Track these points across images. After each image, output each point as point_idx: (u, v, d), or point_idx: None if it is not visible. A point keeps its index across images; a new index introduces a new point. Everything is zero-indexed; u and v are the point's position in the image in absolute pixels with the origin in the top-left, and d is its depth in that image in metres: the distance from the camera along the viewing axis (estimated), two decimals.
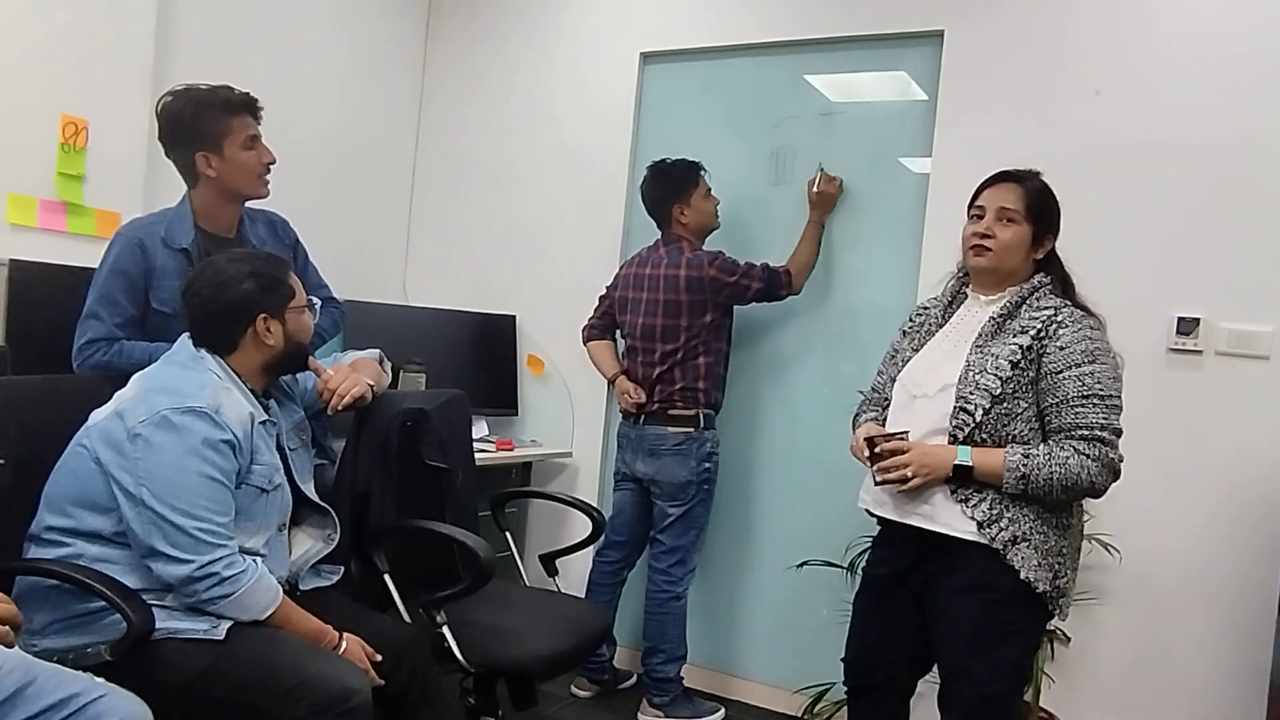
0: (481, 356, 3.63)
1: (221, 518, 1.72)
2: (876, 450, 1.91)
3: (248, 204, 2.28)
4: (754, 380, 3.31)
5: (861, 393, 2.25)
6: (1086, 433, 1.79)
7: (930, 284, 2.90)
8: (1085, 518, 2.02)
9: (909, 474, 1.86)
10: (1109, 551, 2.62)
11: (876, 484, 1.94)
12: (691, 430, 3.02)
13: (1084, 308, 1.92)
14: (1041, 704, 2.72)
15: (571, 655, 2.29)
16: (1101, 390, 1.80)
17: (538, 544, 3.11)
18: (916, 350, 2.04)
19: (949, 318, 2.05)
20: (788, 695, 3.17)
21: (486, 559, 2.04)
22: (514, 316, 3.69)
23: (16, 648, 1.39)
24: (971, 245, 1.97)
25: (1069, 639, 2.71)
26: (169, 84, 2.26)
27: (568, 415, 3.60)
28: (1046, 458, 1.79)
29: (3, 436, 1.76)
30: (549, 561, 2.62)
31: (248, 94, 2.21)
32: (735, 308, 3.10)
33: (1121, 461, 1.81)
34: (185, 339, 1.90)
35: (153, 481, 1.69)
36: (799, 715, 3.11)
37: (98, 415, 1.79)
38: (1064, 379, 1.82)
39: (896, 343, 2.15)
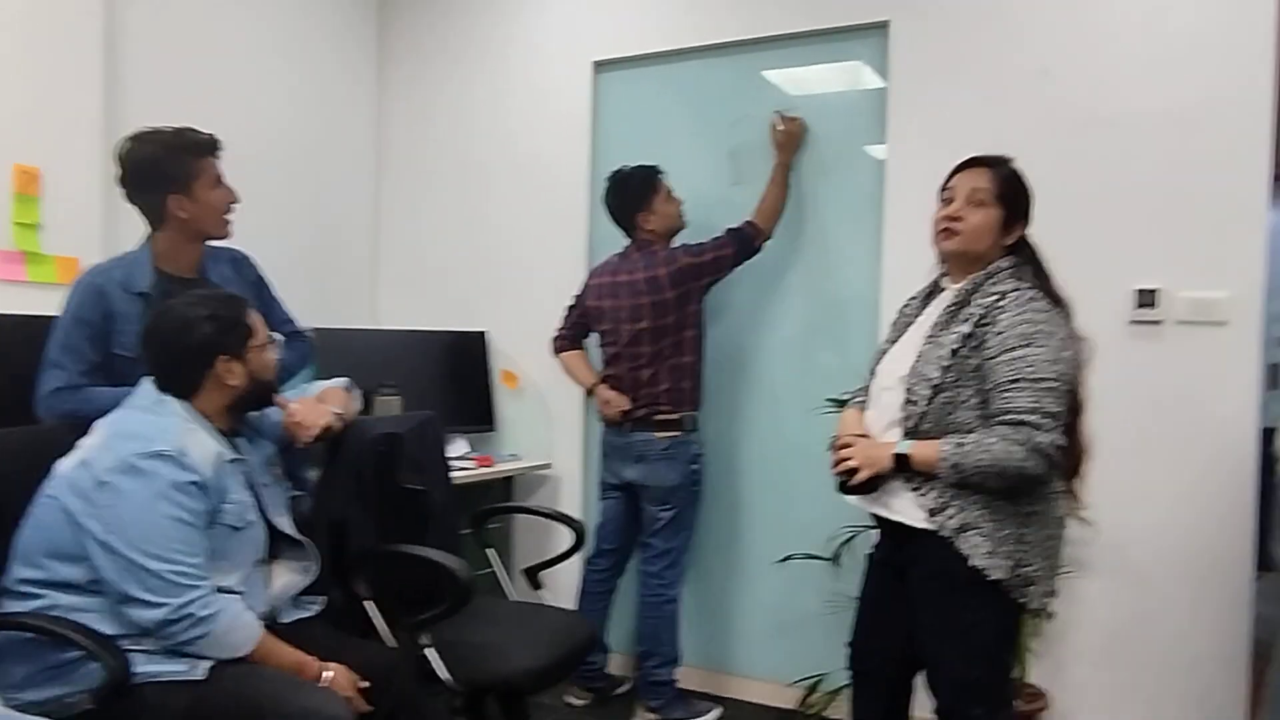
0: (455, 374, 3.64)
1: (193, 559, 1.73)
2: (832, 448, 1.98)
3: (209, 242, 2.28)
4: (730, 377, 3.33)
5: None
6: (1013, 417, 1.78)
7: (892, 270, 2.96)
8: (1062, 502, 1.96)
9: (854, 465, 1.91)
10: (1085, 524, 2.65)
11: (838, 486, 1.99)
12: (678, 434, 3.03)
13: (1053, 292, 1.91)
14: (1028, 679, 2.75)
15: (559, 667, 2.30)
16: (1033, 373, 1.78)
17: (524, 558, 3.11)
18: (894, 342, 2.06)
19: (924, 310, 2.06)
20: (782, 689, 3.19)
21: (464, 578, 2.05)
22: (484, 333, 3.70)
23: None
24: (941, 228, 1.97)
25: (1052, 614, 2.73)
26: (120, 127, 2.27)
27: (545, 427, 3.61)
28: (974, 445, 1.79)
29: None
30: (533, 575, 2.63)
31: (211, 135, 2.22)
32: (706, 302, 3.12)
33: (1058, 444, 1.78)
34: (147, 383, 1.90)
35: (123, 528, 1.69)
36: (794, 708, 3.14)
37: (64, 464, 1.78)
38: (997, 364, 1.81)
39: (886, 335, 2.17)
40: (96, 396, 2.06)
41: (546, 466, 3.60)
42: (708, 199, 3.30)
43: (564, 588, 3.15)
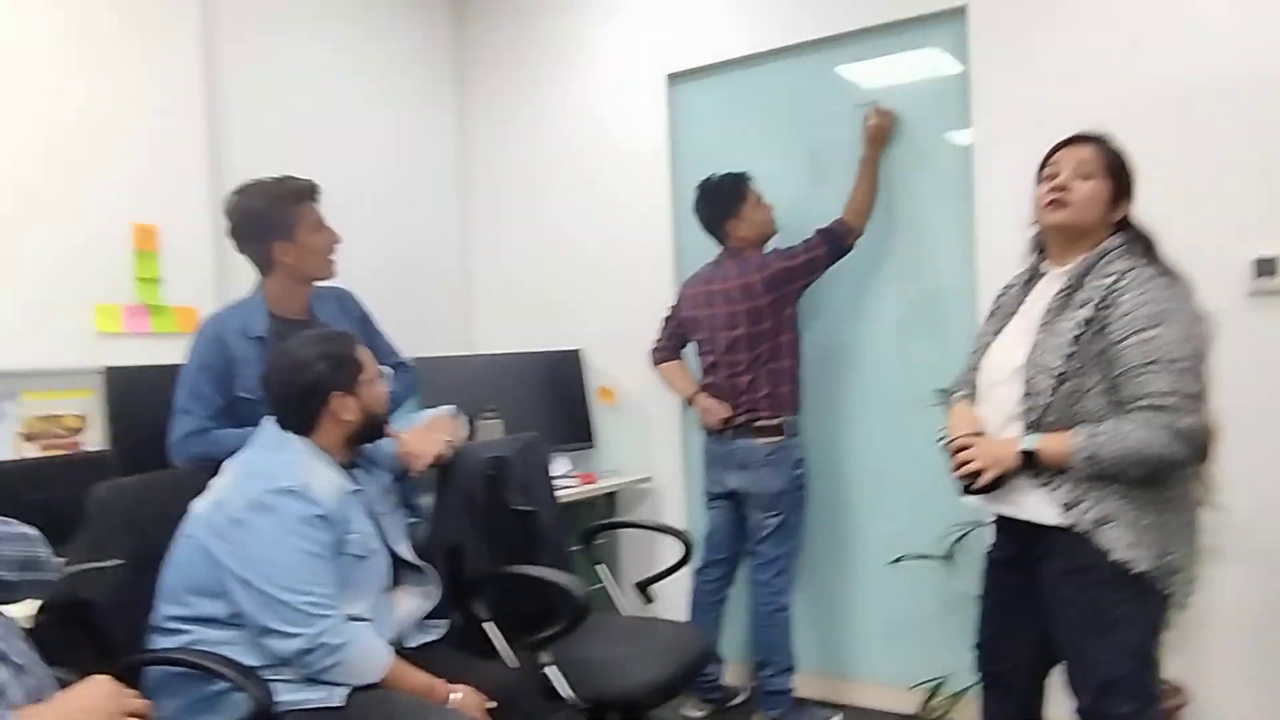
0: (553, 394, 3.69)
1: (324, 589, 1.80)
2: (950, 450, 1.92)
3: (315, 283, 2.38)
4: (827, 377, 3.30)
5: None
6: (1151, 401, 1.71)
7: (987, 256, 2.89)
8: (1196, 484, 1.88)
9: (977, 468, 1.86)
10: (1217, 509, 2.52)
11: (962, 490, 1.93)
12: (780, 439, 3.02)
13: (1166, 268, 1.83)
14: (1166, 675, 2.64)
15: (678, 680, 2.31)
16: (1167, 354, 1.71)
17: (632, 571, 3.14)
18: (997, 333, 2.00)
19: (1026, 296, 2.00)
20: (902, 693, 3.13)
21: (580, 595, 2.09)
22: (578, 350, 3.75)
23: None
24: (1047, 201, 1.90)
25: (1187, 604, 2.62)
26: (225, 180, 2.39)
27: (644, 440, 3.64)
28: (1112, 433, 1.73)
29: (117, 537, 1.87)
30: (644, 589, 2.65)
31: (309, 181, 2.31)
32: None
33: (1200, 426, 1.72)
34: (270, 423, 1.99)
35: (257, 563, 1.77)
36: (916, 713, 3.08)
37: (199, 505, 1.88)
38: (1126, 347, 1.74)
39: (983, 325, 2.12)
40: (224, 438, 2.17)
41: (647, 480, 3.62)
42: (791, 201, 3.28)
43: (673, 600, 3.16)
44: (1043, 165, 1.96)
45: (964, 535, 2.90)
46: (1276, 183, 2.53)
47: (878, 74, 3.20)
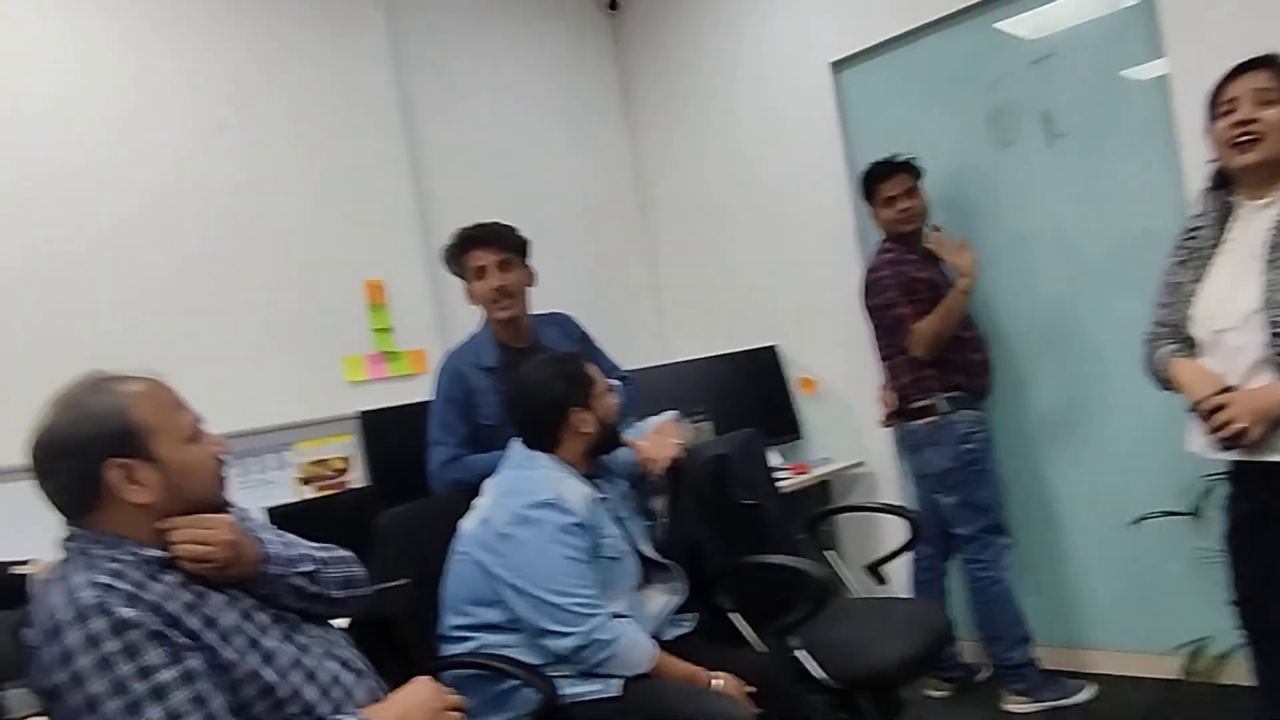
0: (755, 391, 3.76)
1: (589, 590, 1.95)
2: (1200, 412, 1.83)
3: (537, 311, 2.55)
4: (1031, 343, 3.21)
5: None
6: None
7: (1198, 191, 2.73)
8: None
9: (1243, 426, 1.75)
10: None
11: (1225, 447, 1.84)
12: (936, 418, 2.98)
13: None
14: None
15: (926, 655, 2.33)
16: None
17: (856, 556, 3.16)
18: (1198, 280, 1.90)
19: (1224, 235, 1.89)
20: (1157, 658, 3.00)
21: (823, 579, 2.15)
22: (774, 346, 3.81)
23: None
24: (1234, 141, 1.81)
25: None
26: (434, 232, 2.61)
27: (851, 426, 3.65)
28: None
29: (403, 558, 2.09)
30: (875, 570, 2.68)
31: (475, 228, 2.47)
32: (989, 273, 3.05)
33: None
34: (517, 444, 2.17)
35: (527, 571, 1.94)
36: (1179, 677, 2.94)
37: (467, 524, 2.09)
38: None
39: (1173, 271, 2.00)
40: (474, 463, 2.38)
41: (860, 465, 3.63)
42: (975, 170, 3.23)
43: (901, 581, 3.16)
44: (1215, 98, 1.86)
45: (1210, 489, 2.75)
46: None
47: (1042, 21, 3.08)
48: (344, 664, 1.51)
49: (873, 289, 3.06)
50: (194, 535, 1.37)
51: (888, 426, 3.18)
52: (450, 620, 2.05)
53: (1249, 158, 1.80)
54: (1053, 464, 3.23)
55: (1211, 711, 2.77)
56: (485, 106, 3.66)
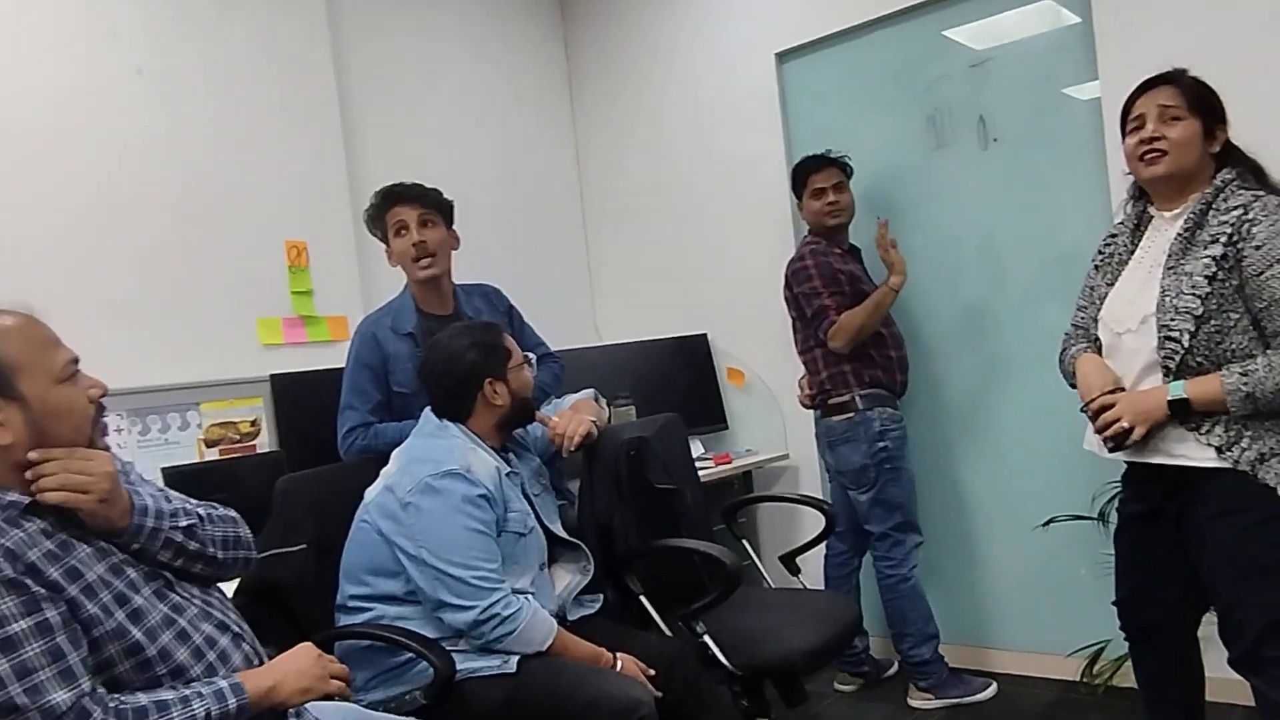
0: (682, 378, 3.75)
1: (492, 564, 1.90)
2: (1089, 411, 1.88)
3: (462, 279, 2.50)
4: (956, 345, 3.25)
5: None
6: None
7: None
8: None
9: (1126, 425, 1.80)
10: None
11: (1110, 449, 1.88)
12: (852, 415, 3.00)
13: None
14: None
15: (831, 646, 2.33)
16: None
17: (772, 547, 3.17)
18: (1111, 284, 1.95)
19: (1138, 243, 1.94)
20: (1060, 660, 3.06)
21: (733, 565, 2.13)
22: (705, 334, 3.79)
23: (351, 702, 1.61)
24: (1141, 155, 1.86)
25: None
26: (361, 195, 2.53)
27: (777, 419, 3.65)
28: (1267, 370, 1.67)
29: (300, 524, 2.02)
30: (789, 561, 2.68)
31: (395, 185, 2.42)
32: (911, 276, 3.05)
33: None
34: (428, 412, 2.11)
35: (429, 542, 1.89)
36: (1076, 679, 3.00)
37: (371, 492, 2.02)
38: (1268, 279, 1.68)
39: (1090, 276, 2.06)
40: (385, 431, 2.32)
41: (784, 457, 3.64)
42: (910, 169, 3.25)
43: (815, 574, 3.17)
44: (1125, 114, 1.91)
45: (1116, 494, 2.80)
46: None
47: (986, 34, 3.13)
48: (221, 627, 1.44)
49: (796, 277, 3.06)
50: (70, 466, 1.29)
51: (812, 409, 3.19)
52: (348, 589, 1.99)
53: (1155, 171, 1.86)
54: (965, 465, 3.27)
55: (1104, 714, 2.83)
56: (424, 76, 3.57)
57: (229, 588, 1.74)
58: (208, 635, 1.40)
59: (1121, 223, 2.02)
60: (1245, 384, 1.69)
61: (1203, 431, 1.76)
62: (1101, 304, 1.96)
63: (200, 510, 1.49)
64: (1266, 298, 1.70)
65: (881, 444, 2.98)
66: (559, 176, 4.12)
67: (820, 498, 2.92)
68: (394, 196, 2.40)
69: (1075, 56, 2.94)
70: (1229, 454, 1.74)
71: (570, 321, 4.02)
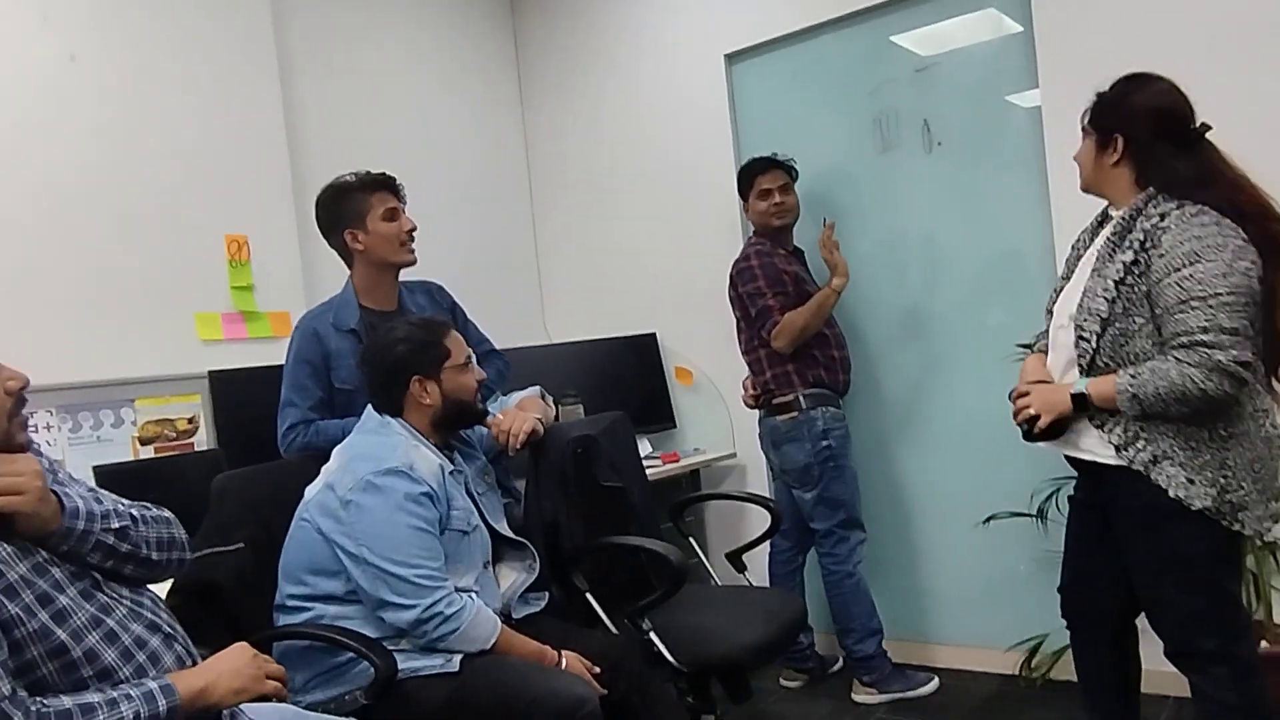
0: (631, 378, 3.75)
1: (434, 563, 1.88)
2: (1010, 398, 1.98)
3: (405, 277, 2.46)
4: (902, 346, 3.30)
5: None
6: (1186, 339, 1.70)
7: (1064, 214, 2.85)
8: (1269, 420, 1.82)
9: (1033, 413, 1.89)
10: None
11: (1022, 435, 1.97)
12: (796, 414, 3.03)
13: (1213, 205, 1.76)
14: (1277, 619, 2.58)
15: (776, 643, 2.35)
16: (1202, 291, 1.68)
17: (719, 545, 3.18)
18: (1067, 278, 2.01)
19: (1095, 241, 1.99)
20: (1000, 654, 3.11)
21: (679, 562, 2.13)
22: (654, 334, 3.80)
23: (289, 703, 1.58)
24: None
25: None
26: (305, 188, 2.48)
27: (724, 418, 3.67)
28: (1150, 373, 1.73)
29: (238, 523, 1.98)
30: (736, 558, 2.69)
31: (383, 173, 2.40)
32: (854, 277, 3.09)
33: (1237, 361, 1.67)
34: (370, 409, 2.08)
35: (370, 541, 1.85)
36: (1015, 672, 3.06)
37: (312, 490, 1.98)
38: (1165, 287, 1.73)
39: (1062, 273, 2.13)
40: (326, 428, 2.28)
41: (731, 456, 3.66)
42: (856, 171, 3.29)
43: (761, 571, 3.19)
44: None
45: (1054, 492, 2.87)
46: None
47: (932, 39, 3.18)
48: (152, 627, 1.40)
49: (741, 277, 3.08)
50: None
51: (760, 413, 3.20)
52: (287, 589, 1.95)
53: (1080, 185, 1.98)
54: (907, 463, 3.32)
55: (1042, 706, 2.89)
56: (371, 71, 3.53)
57: (162, 588, 1.70)
58: (137, 636, 1.36)
59: (1094, 219, 2.06)
60: (1132, 385, 1.74)
61: (1106, 429, 1.83)
62: (1058, 296, 2.01)
63: (133, 511, 1.45)
64: (1164, 304, 1.74)
65: (825, 443, 3.01)
66: (508, 175, 4.09)
67: (766, 496, 2.93)
68: (383, 184, 2.38)
69: (1017, 64, 3.00)
70: (1125, 453, 1.80)
71: (519, 320, 4.00)
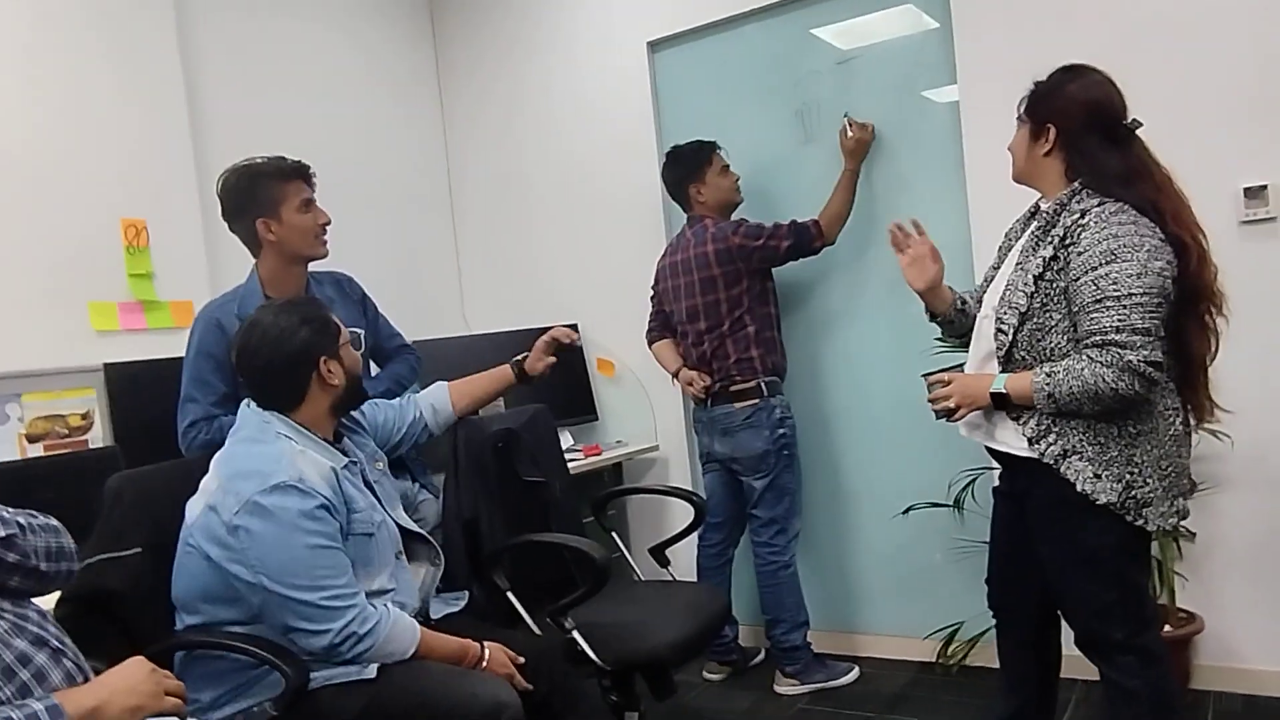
0: (552, 370, 3.66)
1: (341, 579, 1.75)
2: (928, 383, 1.98)
3: (312, 267, 2.35)
4: (822, 337, 3.31)
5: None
6: (1099, 338, 1.72)
7: (980, 210, 2.90)
8: (1179, 418, 1.86)
9: (952, 405, 1.91)
10: (1218, 438, 2.55)
11: (936, 417, 1.98)
12: (757, 401, 3.02)
13: (1132, 204, 1.78)
14: (1179, 604, 2.68)
15: (700, 638, 2.33)
16: (1117, 291, 1.70)
17: (642, 539, 3.16)
18: (997, 268, 2.03)
19: (1025, 232, 2.00)
20: (918, 643, 3.17)
21: (601, 560, 2.10)
22: (575, 324, 3.73)
23: None
24: None
25: (1194, 534, 2.66)
26: (210, 172, 2.35)
27: (647, 410, 3.64)
28: (1065, 372, 1.75)
29: (134, 527, 1.85)
30: (659, 553, 2.66)
31: (299, 161, 2.29)
32: (777, 270, 3.11)
33: (1147, 361, 1.69)
34: (247, 408, 1.91)
35: (266, 568, 1.70)
36: (933, 660, 3.11)
37: (192, 510, 1.81)
38: (1081, 285, 1.75)
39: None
40: (229, 425, 2.15)
41: (654, 449, 3.63)
42: (780, 161, 3.29)
43: (686, 565, 3.17)
44: None
45: (970, 483, 2.92)
46: (1266, 111, 2.55)
47: (852, 33, 3.20)
48: (38, 642, 1.30)
49: (747, 236, 3.00)
50: None
51: (700, 401, 3.15)
52: (184, 620, 1.80)
53: (1012, 175, 1.97)
54: (829, 455, 3.34)
55: (956, 692, 2.95)
56: (281, 54, 3.39)
57: (50, 599, 1.58)
58: (21, 652, 1.26)
59: (1028, 209, 2.06)
60: (1048, 385, 1.77)
61: (1021, 422, 1.85)
62: (987, 286, 2.03)
63: (20, 519, 1.34)
64: (1079, 302, 1.76)
65: (781, 430, 3.02)
66: (426, 163, 3.98)
67: (690, 489, 2.91)
68: (298, 172, 2.27)
69: (935, 60, 3.03)
70: (1037, 446, 1.82)
71: (438, 310, 3.90)
